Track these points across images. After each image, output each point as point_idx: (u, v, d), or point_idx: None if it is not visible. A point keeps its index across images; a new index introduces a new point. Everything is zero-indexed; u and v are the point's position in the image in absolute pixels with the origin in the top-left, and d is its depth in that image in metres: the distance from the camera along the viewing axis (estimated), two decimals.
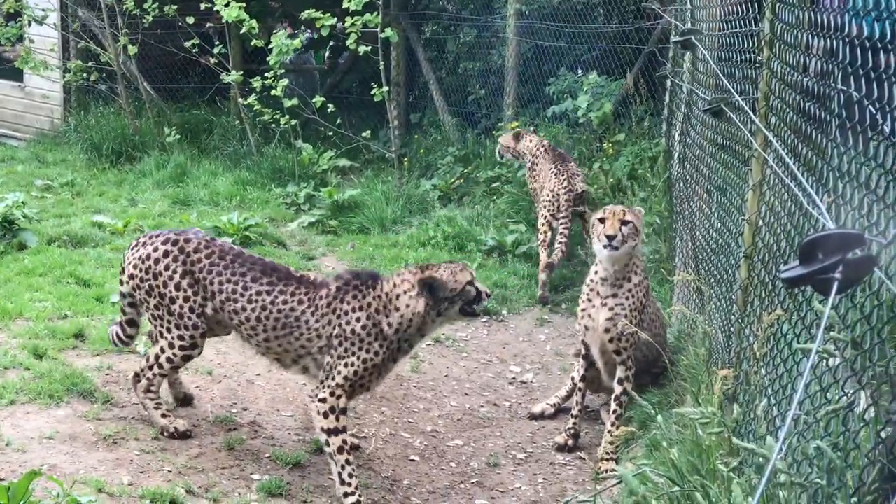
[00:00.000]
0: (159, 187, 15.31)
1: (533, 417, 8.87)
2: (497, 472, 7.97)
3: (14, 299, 9.95)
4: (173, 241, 7.50)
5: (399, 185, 15.01)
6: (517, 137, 12.61)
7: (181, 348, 7.53)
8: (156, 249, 7.50)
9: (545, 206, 11.52)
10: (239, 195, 14.82)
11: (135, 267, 7.61)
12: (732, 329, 6.46)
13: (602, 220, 7.89)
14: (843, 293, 2.67)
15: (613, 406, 8.11)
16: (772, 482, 3.47)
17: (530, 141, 12.41)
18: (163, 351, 7.57)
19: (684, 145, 10.21)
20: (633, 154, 12.89)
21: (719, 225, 7.71)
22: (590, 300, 8.13)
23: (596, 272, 8.12)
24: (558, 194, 11.41)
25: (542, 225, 11.54)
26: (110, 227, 12.92)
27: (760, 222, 6.12)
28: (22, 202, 12.49)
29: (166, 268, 7.43)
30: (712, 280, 7.74)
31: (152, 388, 7.66)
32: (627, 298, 8.03)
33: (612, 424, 8.02)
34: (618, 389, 8.09)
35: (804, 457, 3.86)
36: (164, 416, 7.66)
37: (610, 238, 7.82)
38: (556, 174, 11.54)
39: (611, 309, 8.02)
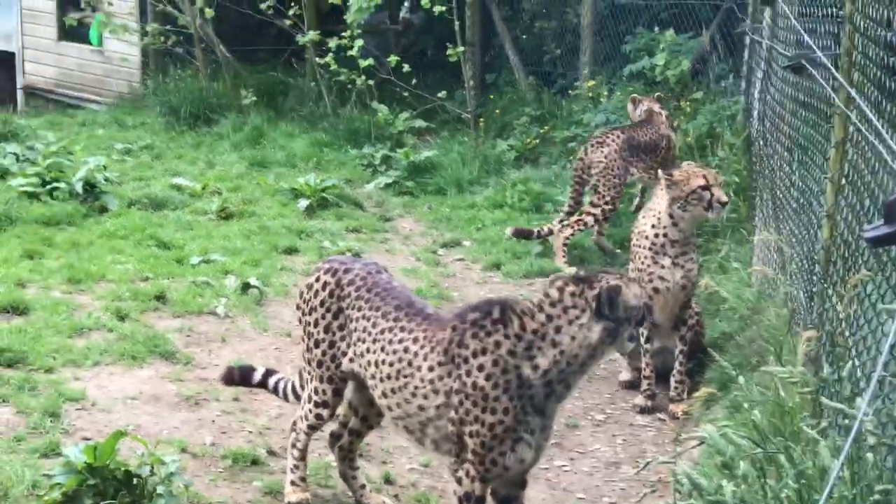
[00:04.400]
0: (236, 149, 15.40)
1: (625, 386, 8.83)
2: (576, 434, 7.97)
3: (97, 262, 10.09)
4: (333, 271, 6.19)
5: (475, 146, 14.97)
6: (633, 103, 12.24)
7: (315, 405, 6.30)
8: (318, 279, 6.22)
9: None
10: (315, 157, 14.87)
11: (300, 297, 6.36)
12: (815, 290, 6.38)
13: (706, 188, 7.93)
14: None
15: (680, 346, 8.34)
16: (859, 444, 3.43)
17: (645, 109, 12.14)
18: (305, 403, 6.41)
19: (764, 103, 10.07)
20: (711, 113, 12.73)
21: (800, 184, 7.60)
22: (656, 262, 8.17)
23: (659, 234, 8.16)
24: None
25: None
26: (189, 189, 13.04)
27: (843, 181, 6.02)
28: (103, 166, 12.68)
29: (321, 304, 6.14)
30: (793, 240, 7.64)
31: (296, 445, 6.44)
32: (694, 252, 8.34)
33: (681, 364, 8.33)
34: (682, 330, 8.35)
35: (889, 419, 3.81)
36: (291, 482, 6.43)
37: (724, 205, 8.07)
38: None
39: (682, 267, 8.21)
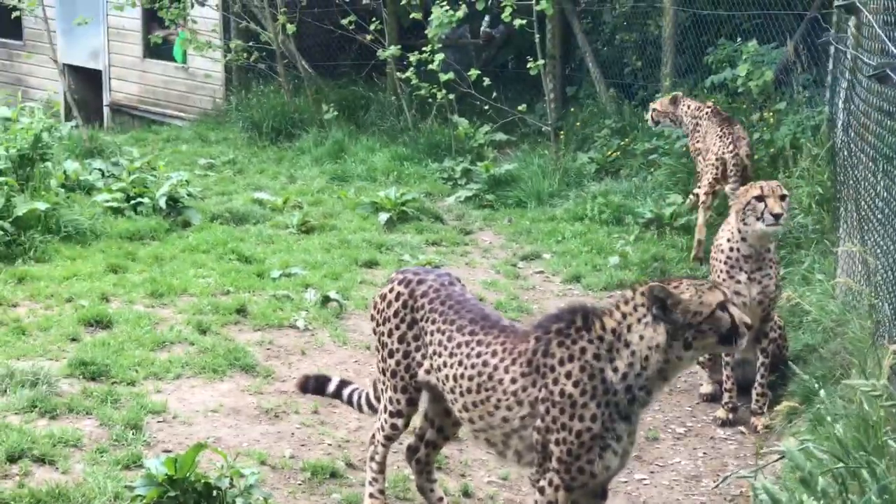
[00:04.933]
0: (318, 164, 15.51)
1: (705, 399, 8.74)
2: (656, 447, 7.89)
3: (179, 275, 10.20)
4: (407, 281, 6.18)
5: (555, 159, 14.92)
6: (674, 101, 12.41)
7: (391, 414, 6.31)
8: (391, 290, 6.22)
9: (710, 170, 11.37)
10: (396, 170, 14.92)
11: (374, 307, 6.36)
12: None
13: (761, 199, 7.84)
14: None
15: (761, 359, 8.21)
16: None
17: (688, 105, 12.23)
18: (381, 414, 6.42)
19: (848, 113, 9.92)
20: (794, 123, 12.56)
21: (885, 194, 7.47)
22: (731, 276, 8.09)
23: (733, 248, 8.10)
24: (724, 158, 11.21)
25: (705, 186, 11.38)
26: (270, 203, 13.15)
27: None
28: (186, 181, 12.82)
29: (395, 314, 6.15)
30: (878, 251, 7.51)
31: (374, 458, 6.43)
32: (772, 268, 8.16)
33: (762, 376, 8.20)
34: (764, 343, 8.20)
35: None
36: (370, 495, 6.43)
37: (777, 217, 7.87)
38: (720, 137, 11.32)
39: (759, 282, 8.12)
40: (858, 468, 3.95)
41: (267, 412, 7.63)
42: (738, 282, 8.08)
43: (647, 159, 14.11)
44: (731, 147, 11.18)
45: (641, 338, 5.24)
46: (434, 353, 5.94)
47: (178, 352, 8.44)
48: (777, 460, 3.95)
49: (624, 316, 5.31)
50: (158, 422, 7.30)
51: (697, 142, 11.96)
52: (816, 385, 5.08)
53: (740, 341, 5.27)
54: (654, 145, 14.16)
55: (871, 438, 4.49)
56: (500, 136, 15.61)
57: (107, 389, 7.58)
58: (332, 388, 6.87)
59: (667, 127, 12.84)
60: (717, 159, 11.26)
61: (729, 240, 8.17)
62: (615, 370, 5.27)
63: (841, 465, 4.05)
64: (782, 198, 7.92)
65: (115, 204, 12.19)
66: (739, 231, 8.07)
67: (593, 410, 5.26)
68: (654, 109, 12.58)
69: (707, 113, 11.86)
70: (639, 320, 5.26)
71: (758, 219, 7.91)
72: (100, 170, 13.71)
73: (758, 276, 8.10)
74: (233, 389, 7.94)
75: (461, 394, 5.75)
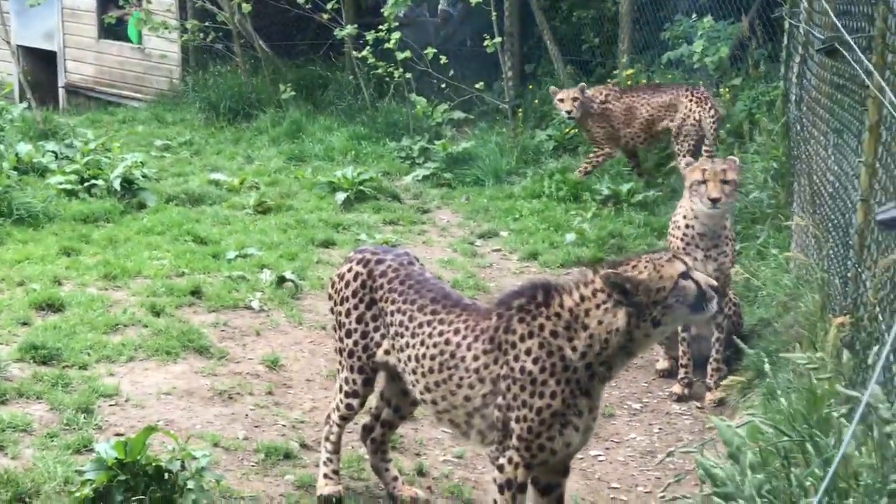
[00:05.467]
0: (275, 144, 15.45)
1: (661, 375, 8.76)
2: (612, 423, 7.90)
3: (133, 258, 10.13)
4: (365, 261, 6.13)
5: (513, 137, 14.92)
6: (581, 91, 12.76)
7: (346, 395, 6.25)
8: (349, 269, 6.17)
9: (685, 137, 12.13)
10: (353, 150, 14.87)
11: (332, 286, 6.31)
12: (849, 275, 6.28)
13: (704, 182, 7.85)
14: None
15: (717, 334, 8.24)
16: (882, 430, 3.34)
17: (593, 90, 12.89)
18: (336, 394, 6.37)
19: (801, 88, 9.95)
20: (750, 98, 12.61)
21: (836, 168, 7.50)
22: (688, 254, 8.09)
23: (689, 226, 8.10)
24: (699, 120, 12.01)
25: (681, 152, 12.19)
26: (227, 184, 13.09)
27: (877, 164, 5.92)
28: (141, 162, 12.74)
29: (353, 294, 6.10)
30: (829, 225, 7.54)
31: (329, 438, 6.36)
32: (727, 245, 8.17)
33: (717, 352, 8.25)
34: (719, 318, 8.18)
35: None
36: (324, 475, 6.35)
37: (714, 201, 7.87)
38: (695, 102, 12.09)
39: (715, 259, 8.13)
40: (803, 441, 3.95)
41: (221, 394, 7.58)
42: (695, 259, 8.08)
43: None
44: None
45: (600, 322, 5.18)
46: (395, 333, 5.89)
47: (131, 334, 8.37)
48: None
49: (582, 299, 5.24)
50: (110, 405, 7.23)
51: (602, 125, 12.67)
52: (766, 360, 5.07)
53: (710, 305, 5.23)
54: None
55: (815, 411, 4.51)
56: (458, 115, 15.59)
57: (58, 373, 7.50)
58: None
59: (577, 115, 12.80)
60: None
61: (685, 217, 8.17)
62: (574, 349, 5.21)
63: (785, 438, 4.06)
64: (725, 182, 7.88)
65: (68, 186, 12.08)
66: (692, 209, 8.08)
67: (553, 387, 5.20)
68: (573, 98, 12.75)
69: (613, 93, 12.39)
70: (598, 306, 5.19)
71: (700, 200, 7.93)
72: (53, 152, 13.59)
73: (714, 253, 8.10)
74: (186, 371, 7.89)
75: (423, 374, 5.70)
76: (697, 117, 11.99)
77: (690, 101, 12.13)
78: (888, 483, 3.08)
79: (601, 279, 5.19)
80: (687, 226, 8.14)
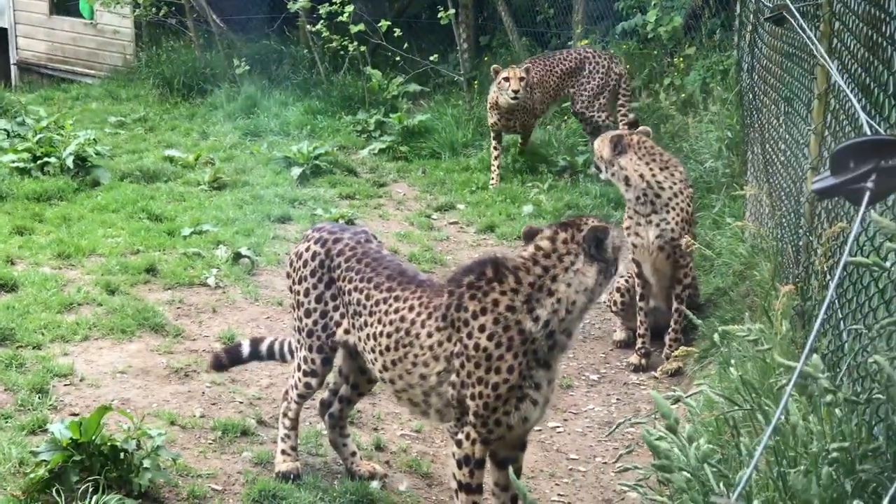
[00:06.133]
0: (230, 119, 15.36)
1: (619, 346, 8.80)
2: (570, 394, 7.93)
3: (87, 236, 10.06)
4: (323, 240, 6.11)
5: (469, 109, 14.91)
6: (527, 70, 12.53)
7: (304, 373, 6.23)
8: (307, 249, 6.15)
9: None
10: (309, 124, 14.82)
11: (290, 265, 6.28)
12: (801, 243, 6.32)
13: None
14: (875, 203, 2.52)
15: (675, 304, 8.31)
16: (823, 401, 3.37)
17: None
18: (294, 372, 6.34)
19: (753, 56, 9.99)
20: (704, 68, 12.65)
21: (787, 137, 7.53)
22: (630, 217, 8.20)
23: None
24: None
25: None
26: (182, 160, 13.01)
27: (826, 132, 5.95)
28: (94, 139, 12.64)
29: (312, 273, 6.08)
30: (782, 193, 7.58)
31: (287, 415, 6.36)
32: (669, 213, 8.14)
33: (675, 322, 8.33)
34: (678, 289, 8.31)
35: (866, 373, 3.76)
36: (282, 451, 6.36)
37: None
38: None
39: (657, 226, 8.14)
40: (753, 410, 3.98)
41: (177, 372, 7.54)
42: (638, 223, 8.20)
43: (561, 107, 14.12)
44: None
45: (569, 285, 5.15)
46: (354, 312, 5.86)
47: (85, 313, 8.32)
48: (674, 404, 3.99)
49: (546, 269, 5.19)
50: (65, 385, 7.18)
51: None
52: (717, 330, 5.09)
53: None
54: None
55: (766, 381, 4.54)
56: (414, 88, 15.55)
57: (11, 354, 7.44)
58: (246, 351, 6.78)
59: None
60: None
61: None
62: (536, 319, 5.16)
63: (735, 408, 4.09)
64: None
65: (21, 164, 11.96)
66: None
67: (510, 362, 5.17)
68: (520, 78, 12.12)
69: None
70: (566, 269, 5.17)
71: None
72: (5, 130, 13.46)
73: (655, 219, 8.14)
74: (142, 350, 7.84)
75: (380, 353, 5.68)
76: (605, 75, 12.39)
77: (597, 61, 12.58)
78: (830, 452, 3.11)
79: (588, 231, 5.17)
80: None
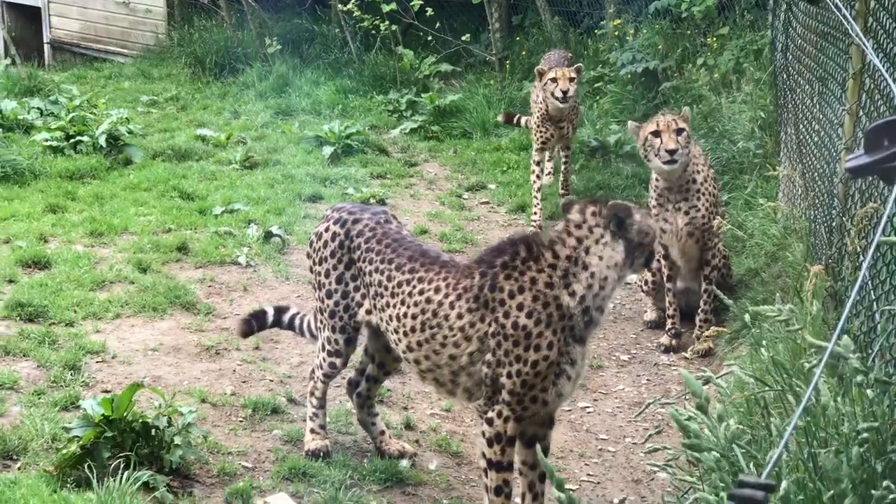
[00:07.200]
0: (262, 98, 15.34)
1: (649, 326, 8.79)
2: (600, 374, 7.92)
3: (119, 214, 10.11)
4: (342, 221, 6.13)
5: (501, 89, 14.86)
6: (578, 70, 11.60)
7: (329, 353, 6.30)
8: (327, 229, 6.18)
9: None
10: (341, 104, 14.80)
11: (310, 245, 6.33)
12: (834, 224, 6.28)
13: (657, 134, 7.86)
14: None
15: (704, 285, 8.31)
16: (854, 381, 3.35)
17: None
18: (319, 352, 6.40)
19: (787, 36, 9.90)
20: (737, 48, 12.53)
21: (821, 117, 7.48)
22: (661, 205, 8.18)
23: (657, 180, 8.16)
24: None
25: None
26: (213, 139, 13.03)
27: (860, 112, 5.91)
28: (126, 118, 12.68)
29: (332, 254, 6.13)
30: (815, 174, 7.53)
31: (314, 393, 6.41)
32: (699, 199, 8.15)
33: (705, 303, 8.32)
34: (706, 270, 8.31)
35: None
36: (311, 430, 6.41)
37: (670, 153, 7.86)
38: None
39: (686, 213, 8.14)
40: (783, 391, 3.96)
41: (208, 349, 7.58)
42: (667, 210, 8.18)
43: (593, 87, 14.06)
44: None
45: (601, 258, 5.22)
46: (375, 293, 5.87)
47: (117, 291, 8.37)
48: (704, 384, 3.97)
49: (579, 241, 5.24)
50: (97, 362, 7.24)
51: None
52: (748, 310, 5.07)
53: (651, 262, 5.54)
54: (599, 73, 14.12)
55: (797, 362, 4.51)
56: (446, 67, 15.51)
57: (44, 331, 7.50)
58: (270, 318, 6.82)
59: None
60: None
61: (656, 177, 8.28)
62: (572, 294, 5.21)
63: (767, 388, 4.07)
64: (679, 132, 7.88)
65: (54, 143, 12.03)
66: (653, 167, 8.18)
67: (549, 338, 5.20)
68: (570, 78, 10.61)
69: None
70: (597, 241, 5.23)
71: (656, 155, 7.94)
72: (38, 108, 13.52)
73: (684, 206, 8.12)
74: (173, 328, 7.89)
75: (405, 333, 5.67)
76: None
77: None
78: (860, 432, 3.09)
79: (607, 207, 5.24)
80: (656, 180, 8.24)
